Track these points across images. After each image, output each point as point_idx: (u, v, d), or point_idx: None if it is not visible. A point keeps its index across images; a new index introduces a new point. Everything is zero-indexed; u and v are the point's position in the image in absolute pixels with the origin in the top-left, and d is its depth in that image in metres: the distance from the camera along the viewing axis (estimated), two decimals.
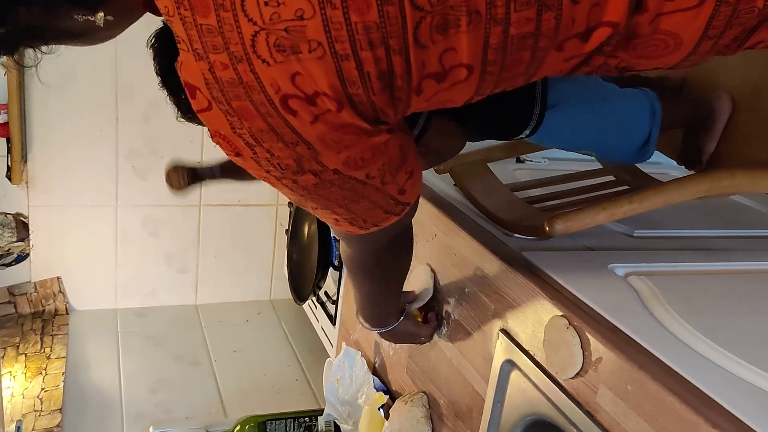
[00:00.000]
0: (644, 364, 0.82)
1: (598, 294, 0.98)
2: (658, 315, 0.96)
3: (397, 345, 1.44)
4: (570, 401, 0.91)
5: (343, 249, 0.98)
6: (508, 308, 1.06)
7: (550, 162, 1.72)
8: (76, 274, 2.27)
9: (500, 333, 1.07)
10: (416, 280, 1.31)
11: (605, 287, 1.03)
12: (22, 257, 2.20)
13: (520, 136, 1.16)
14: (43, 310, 2.24)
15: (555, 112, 1.14)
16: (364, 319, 1.15)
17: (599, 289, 1.01)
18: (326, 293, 1.96)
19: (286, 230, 2.15)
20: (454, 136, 1.11)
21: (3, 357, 1.97)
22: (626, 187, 1.35)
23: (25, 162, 2.08)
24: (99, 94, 2.11)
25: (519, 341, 1.03)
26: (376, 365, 1.55)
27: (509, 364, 1.05)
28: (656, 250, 1.22)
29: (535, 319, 0.99)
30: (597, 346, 0.87)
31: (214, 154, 2.31)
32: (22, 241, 2.17)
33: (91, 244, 2.26)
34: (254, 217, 2.42)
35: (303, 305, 2.15)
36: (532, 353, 1.00)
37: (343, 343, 1.68)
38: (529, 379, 1.00)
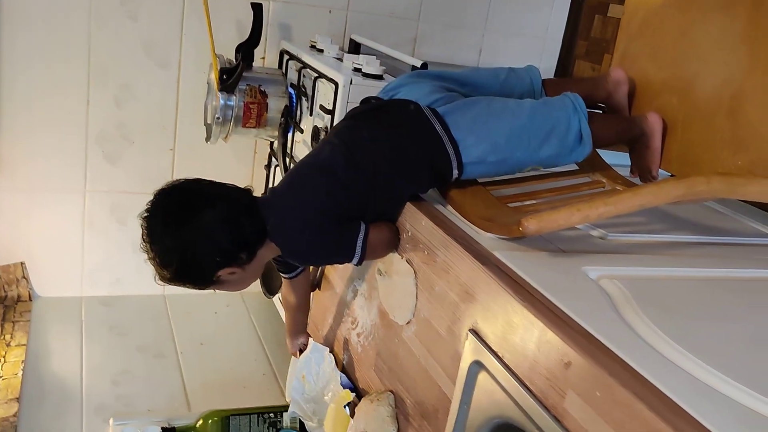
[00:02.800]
0: (614, 370, 0.80)
1: (569, 297, 0.96)
2: (629, 320, 0.95)
3: (366, 342, 1.41)
4: (537, 405, 0.89)
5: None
6: (479, 308, 1.04)
7: None
8: (41, 260, 2.21)
9: (469, 333, 1.05)
10: (397, 275, 1.28)
11: (577, 290, 1.01)
12: None
13: (453, 177, 1.25)
14: (6, 296, 2.18)
15: (468, 143, 1.22)
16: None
17: (571, 292, 0.99)
18: None
19: None
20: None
21: None
22: (602, 188, 1.34)
23: None
24: (70, 76, 2.06)
25: (488, 342, 1.01)
26: (344, 362, 1.52)
27: (477, 366, 1.02)
28: (630, 254, 1.20)
29: (505, 320, 0.97)
30: (566, 350, 0.85)
31: (186, 140, 2.25)
32: None
33: (57, 230, 2.20)
34: None
35: (273, 299, 2.12)
36: (501, 355, 0.98)
37: (311, 339, 1.65)
38: (497, 381, 0.98)
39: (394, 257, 1.29)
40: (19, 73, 2.00)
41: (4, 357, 1.89)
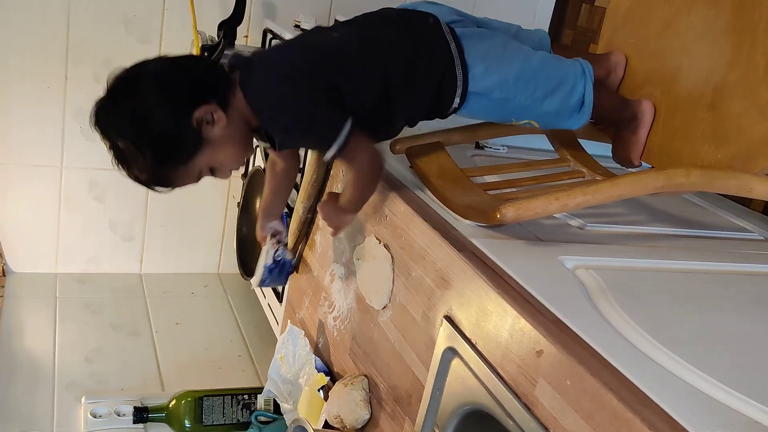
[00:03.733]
0: (584, 359, 0.80)
1: (544, 285, 0.96)
2: (602, 310, 0.95)
3: (342, 325, 1.41)
4: (508, 392, 0.89)
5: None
6: (454, 295, 1.04)
7: (510, 150, 1.70)
8: (16, 236, 2.18)
9: (444, 320, 1.04)
10: (375, 260, 1.27)
11: (552, 279, 1.01)
12: None
13: (453, 105, 1.19)
14: None
15: (477, 71, 1.17)
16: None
17: (546, 280, 0.99)
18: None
19: (238, 203, 2.09)
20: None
21: None
22: (582, 178, 1.34)
23: None
24: (48, 49, 2.02)
25: (462, 329, 1.00)
26: (319, 345, 1.52)
27: (451, 352, 1.02)
28: (607, 244, 1.20)
29: (479, 307, 0.97)
30: (538, 338, 0.85)
31: None
32: None
33: (32, 205, 2.16)
34: (205, 187, 2.33)
35: (251, 280, 2.10)
36: (474, 342, 0.97)
37: (288, 322, 1.64)
38: (470, 368, 0.97)
39: (371, 241, 1.28)
40: None
41: None
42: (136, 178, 1.10)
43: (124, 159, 1.08)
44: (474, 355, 0.96)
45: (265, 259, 1.49)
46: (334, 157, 1.11)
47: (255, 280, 1.56)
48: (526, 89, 1.19)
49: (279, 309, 1.86)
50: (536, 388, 0.84)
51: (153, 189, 1.13)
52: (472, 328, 0.98)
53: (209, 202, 2.38)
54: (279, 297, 1.87)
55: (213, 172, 1.13)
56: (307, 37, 1.31)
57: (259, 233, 1.48)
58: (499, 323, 0.92)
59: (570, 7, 2.45)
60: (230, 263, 2.42)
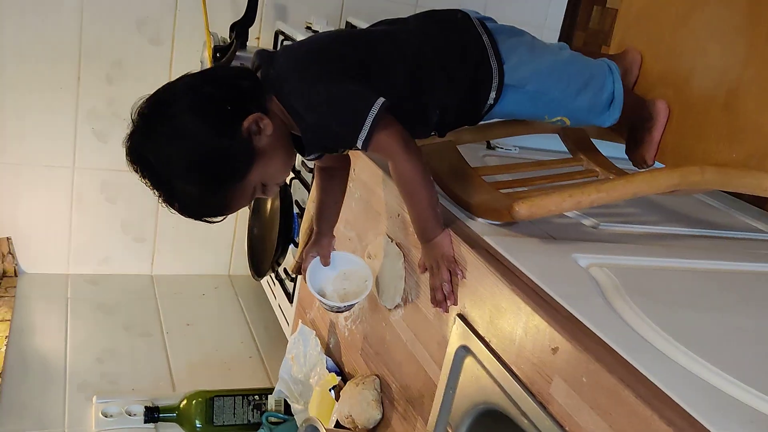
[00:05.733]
0: (600, 355, 0.79)
1: (558, 283, 0.95)
2: (617, 307, 0.94)
3: (353, 325, 1.40)
4: (523, 391, 0.88)
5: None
6: (467, 293, 1.03)
7: (521, 150, 1.70)
8: (28, 236, 2.19)
9: (457, 318, 1.04)
10: (387, 259, 1.27)
11: (566, 277, 1.00)
12: None
13: (488, 101, 1.14)
14: None
15: (512, 63, 1.14)
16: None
17: (560, 278, 0.98)
18: (285, 270, 1.91)
19: (249, 205, 2.10)
20: None
21: None
22: (596, 177, 1.33)
23: None
24: (61, 51, 2.03)
25: (475, 327, 1.00)
26: (330, 345, 1.51)
27: (464, 350, 1.02)
28: (621, 243, 1.19)
29: (493, 305, 0.96)
30: (554, 335, 0.84)
31: None
32: None
33: (44, 206, 2.17)
34: None
35: (261, 281, 2.11)
36: (487, 340, 0.97)
37: (299, 321, 1.64)
38: (483, 366, 0.97)
39: (383, 240, 1.28)
40: (8, 48, 1.97)
41: None
42: (190, 212, 0.99)
43: (173, 194, 0.96)
44: (487, 353, 0.96)
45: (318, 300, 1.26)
46: (365, 145, 1.00)
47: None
48: (559, 83, 1.17)
49: (290, 309, 1.86)
50: (551, 385, 0.84)
51: (206, 220, 1.02)
52: (485, 326, 0.98)
53: None
54: (290, 297, 1.86)
55: (265, 187, 1.03)
56: (331, 31, 1.28)
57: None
58: (513, 321, 0.92)
59: (581, 9, 2.44)
60: (241, 265, 2.42)
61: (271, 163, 1.01)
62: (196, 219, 1.01)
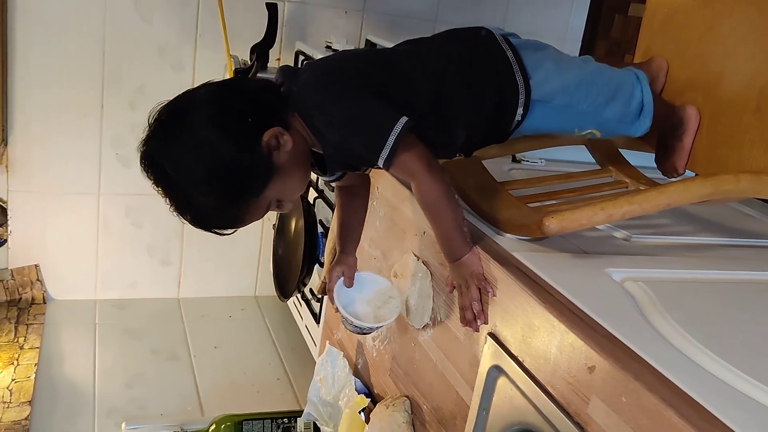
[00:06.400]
0: (640, 374, 0.76)
1: (592, 299, 0.92)
2: (655, 323, 0.91)
3: (381, 345, 1.38)
4: (559, 411, 0.85)
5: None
6: (498, 311, 1.00)
7: (548, 163, 1.67)
8: (55, 263, 2.21)
9: (488, 337, 1.01)
10: (413, 277, 1.25)
11: (600, 292, 0.97)
12: None
13: (516, 118, 1.11)
14: (20, 299, 2.17)
15: (538, 78, 1.11)
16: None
17: (594, 293, 0.95)
18: (311, 290, 1.90)
19: (273, 225, 2.09)
20: None
21: None
22: (625, 188, 1.30)
23: (6, 144, 2.02)
24: (84, 78, 2.05)
25: (507, 346, 0.97)
26: (359, 366, 1.49)
27: (496, 370, 0.99)
28: (655, 256, 1.16)
29: (525, 323, 0.94)
30: (590, 354, 0.81)
31: None
32: (0, 227, 2.10)
33: (71, 232, 2.19)
34: None
35: (287, 302, 2.09)
36: (521, 359, 0.94)
37: (327, 342, 1.62)
38: (517, 386, 0.94)
39: (409, 258, 1.26)
40: (33, 76, 1.99)
41: (17, 360, 1.88)
42: (202, 224, 0.98)
43: (186, 204, 0.95)
44: (521, 372, 0.93)
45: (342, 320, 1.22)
46: (387, 164, 0.98)
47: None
48: (588, 95, 1.14)
49: (316, 330, 1.84)
50: (589, 405, 0.81)
51: (217, 232, 1.01)
52: (518, 344, 0.95)
53: (245, 227, 2.38)
54: (316, 318, 1.85)
55: (280, 203, 1.02)
56: (355, 49, 1.27)
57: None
58: (547, 339, 0.89)
59: (603, 19, 2.42)
60: (267, 286, 2.41)
61: (289, 179, 0.99)
62: (206, 230, 0.99)
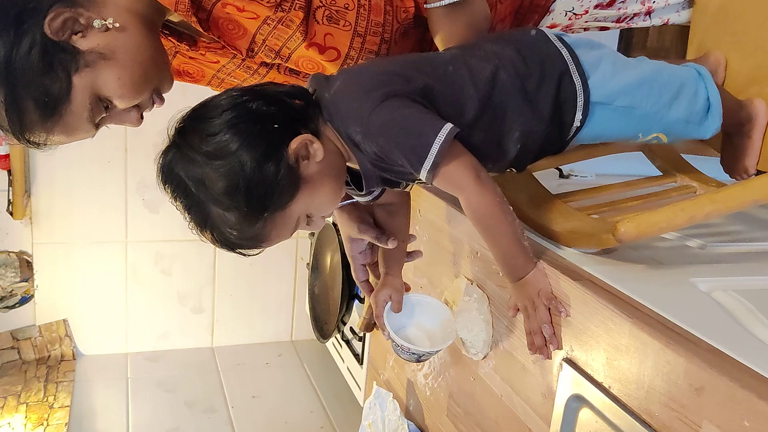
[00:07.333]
0: (764, 392, 0.64)
1: (683, 311, 0.80)
2: (759, 334, 0.78)
3: (435, 383, 1.26)
4: None
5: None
6: (572, 333, 0.89)
7: (599, 178, 1.55)
8: (84, 317, 2.13)
9: (563, 363, 0.89)
10: (468, 304, 1.13)
11: (690, 304, 0.85)
12: (26, 299, 2.06)
13: (574, 124, 1.00)
14: (49, 356, 2.09)
15: (597, 78, 1.00)
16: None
17: (684, 306, 0.83)
18: (351, 329, 1.79)
19: (307, 264, 2.00)
20: None
21: (2, 407, 1.81)
22: (694, 193, 1.18)
23: (29, 196, 1.96)
24: None
25: (588, 372, 0.85)
26: (410, 408, 1.37)
27: (577, 401, 0.86)
28: (738, 263, 1.04)
29: (609, 343, 0.81)
30: (696, 373, 0.69)
31: None
32: (25, 282, 2.03)
33: (99, 284, 2.11)
34: (273, 251, 2.24)
35: (327, 343, 1.98)
36: (607, 386, 0.82)
37: (374, 383, 1.50)
38: (605, 417, 0.82)
39: (461, 283, 1.15)
40: None
41: (47, 420, 1.78)
42: (223, 241, 0.89)
43: (206, 218, 0.87)
44: (608, 401, 0.81)
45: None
46: (431, 176, 0.89)
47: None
48: (650, 94, 1.03)
49: (360, 372, 1.72)
50: None
51: (241, 253, 0.92)
52: (602, 369, 0.83)
53: (278, 267, 2.30)
54: (359, 359, 1.73)
55: (310, 219, 0.93)
56: (394, 55, 1.17)
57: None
58: (637, 360, 0.77)
59: (636, 30, 2.32)
60: (303, 329, 2.31)
61: (319, 192, 0.90)
62: (230, 250, 0.90)
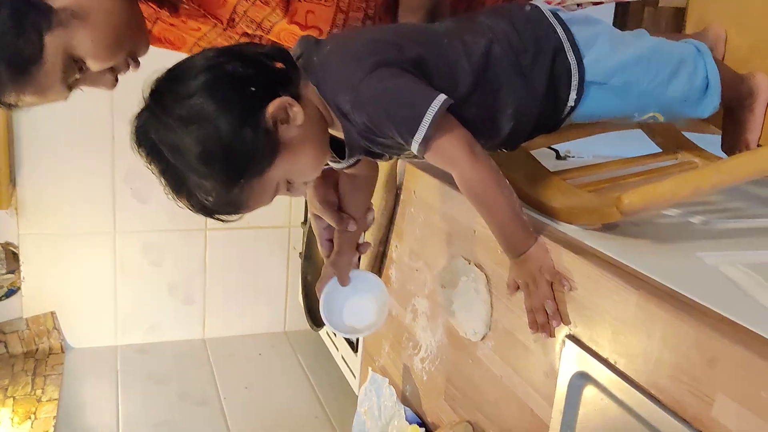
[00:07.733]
0: None
1: (691, 283, 0.78)
2: None
3: (431, 367, 1.23)
4: (672, 418, 0.70)
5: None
6: (575, 309, 0.86)
7: (597, 159, 1.52)
8: (72, 309, 2.09)
9: (566, 340, 0.86)
10: (465, 284, 1.10)
11: (697, 276, 0.82)
12: (12, 291, 2.02)
13: (568, 103, 0.98)
14: (37, 349, 2.05)
15: (592, 56, 0.98)
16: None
17: (691, 278, 0.80)
18: None
19: (300, 253, 1.96)
20: None
21: None
22: (697, 168, 1.16)
23: (14, 186, 1.91)
24: (93, 111, 1.95)
25: (593, 347, 0.82)
26: (407, 393, 1.34)
27: (581, 378, 0.84)
28: (744, 238, 1.01)
29: (614, 317, 0.79)
30: (708, 344, 0.66)
31: None
32: (12, 273, 1.99)
33: (87, 275, 2.07)
34: (265, 240, 2.22)
35: (320, 332, 1.95)
36: (612, 361, 0.79)
37: (369, 370, 1.47)
38: (611, 394, 0.79)
39: (458, 263, 1.12)
40: (40, 111, 1.89)
41: (34, 414, 1.74)
42: (200, 207, 0.86)
43: (182, 183, 0.84)
44: (614, 377, 0.78)
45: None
46: (422, 148, 0.86)
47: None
48: (647, 72, 1.00)
49: (354, 360, 1.69)
50: (713, 407, 0.65)
51: (219, 218, 0.89)
52: (607, 344, 0.80)
53: (270, 256, 2.26)
54: (353, 347, 1.70)
55: (290, 185, 0.91)
56: (388, 25, 1.12)
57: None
58: (645, 333, 0.74)
59: (631, 13, 2.29)
60: (296, 319, 2.28)
61: (299, 158, 0.87)
62: (207, 216, 0.87)
